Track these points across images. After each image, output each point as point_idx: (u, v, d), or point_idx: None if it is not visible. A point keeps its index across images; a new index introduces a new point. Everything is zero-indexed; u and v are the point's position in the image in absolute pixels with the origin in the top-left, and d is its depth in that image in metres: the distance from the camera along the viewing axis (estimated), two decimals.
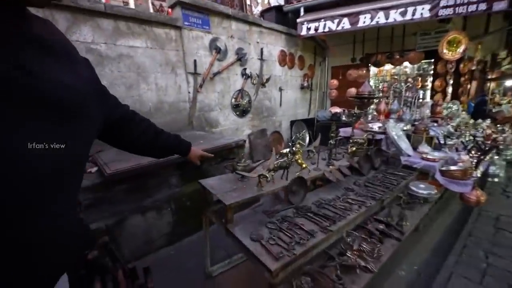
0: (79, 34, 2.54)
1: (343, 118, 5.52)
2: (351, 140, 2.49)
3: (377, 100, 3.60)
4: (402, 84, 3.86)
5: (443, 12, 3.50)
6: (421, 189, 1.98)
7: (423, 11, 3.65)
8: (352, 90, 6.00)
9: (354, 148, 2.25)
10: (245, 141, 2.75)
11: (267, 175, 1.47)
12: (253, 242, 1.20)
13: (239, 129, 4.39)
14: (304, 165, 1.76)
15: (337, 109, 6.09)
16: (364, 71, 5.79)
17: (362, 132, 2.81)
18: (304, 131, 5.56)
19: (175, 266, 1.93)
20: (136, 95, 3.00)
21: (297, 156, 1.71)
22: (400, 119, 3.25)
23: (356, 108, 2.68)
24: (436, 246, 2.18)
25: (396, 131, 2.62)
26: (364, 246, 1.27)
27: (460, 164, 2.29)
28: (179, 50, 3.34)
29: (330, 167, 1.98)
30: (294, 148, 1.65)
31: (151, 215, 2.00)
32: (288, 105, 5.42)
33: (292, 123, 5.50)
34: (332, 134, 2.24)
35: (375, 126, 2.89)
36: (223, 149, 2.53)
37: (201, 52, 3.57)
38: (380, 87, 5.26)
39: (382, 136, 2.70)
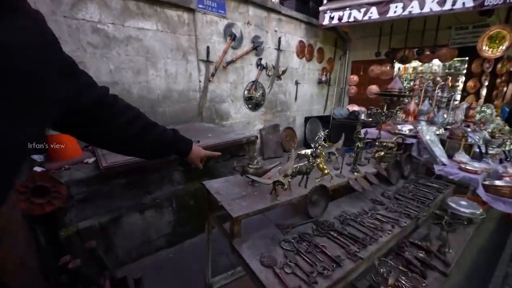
0: (85, 12, 2.33)
1: (362, 117, 5.15)
2: (377, 143, 2.19)
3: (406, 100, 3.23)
4: (430, 82, 3.46)
5: (490, 1, 3.05)
6: (463, 206, 1.66)
7: (466, 0, 3.20)
8: (373, 88, 5.59)
9: (382, 153, 1.94)
10: (257, 137, 2.50)
11: (284, 181, 1.21)
12: (264, 267, 0.96)
13: (251, 123, 4.13)
14: (326, 171, 1.49)
15: (355, 107, 5.71)
16: (388, 67, 5.36)
17: (389, 135, 2.49)
18: (322, 130, 5.25)
19: (173, 272, 1.74)
20: (144, 81, 2.79)
21: (319, 160, 1.44)
22: (431, 122, 2.88)
23: (385, 107, 2.34)
24: (470, 272, 1.87)
25: (430, 135, 2.28)
26: (403, 281, 1.01)
27: (507, 178, 1.94)
28: (192, 35, 3.08)
29: (355, 174, 1.70)
30: (317, 150, 1.38)
31: (150, 213, 1.81)
32: (304, 100, 5.10)
33: (307, 119, 5.18)
34: (358, 136, 1.95)
35: (405, 129, 2.55)
36: (232, 145, 2.29)
37: (215, 39, 3.30)
38: (409, 84, 4.83)
39: (413, 141, 2.37)
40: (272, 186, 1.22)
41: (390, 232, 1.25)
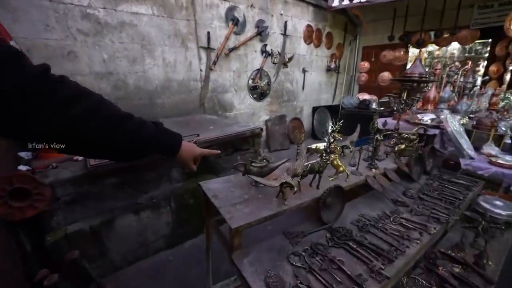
0: None
1: (373, 106, 4.86)
2: (395, 135, 1.97)
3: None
4: (453, 66, 3.13)
5: None
6: (499, 207, 1.45)
7: None
8: (386, 75, 5.26)
9: (402, 146, 1.72)
10: (262, 129, 2.30)
11: (292, 182, 1.02)
12: None
13: (256, 114, 3.92)
14: (341, 168, 1.29)
15: (366, 96, 5.40)
16: (402, 52, 5.00)
17: (408, 125, 2.25)
18: (331, 120, 5.00)
19: (172, 276, 1.60)
20: (140, 71, 2.60)
21: (333, 156, 1.24)
22: (453, 110, 2.61)
23: (405, 94, 2.09)
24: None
25: (455, 125, 2.03)
26: None
27: None
28: (191, 20, 2.85)
29: (373, 170, 1.49)
30: (331, 145, 1.17)
31: (146, 214, 1.66)
32: (312, 89, 4.83)
33: (315, 109, 4.93)
34: (374, 127, 1.74)
35: (427, 118, 2.30)
36: (236, 138, 2.10)
37: (216, 23, 3.06)
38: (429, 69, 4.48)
39: (436, 132, 2.12)
40: (279, 188, 1.03)
41: (418, 242, 1.05)
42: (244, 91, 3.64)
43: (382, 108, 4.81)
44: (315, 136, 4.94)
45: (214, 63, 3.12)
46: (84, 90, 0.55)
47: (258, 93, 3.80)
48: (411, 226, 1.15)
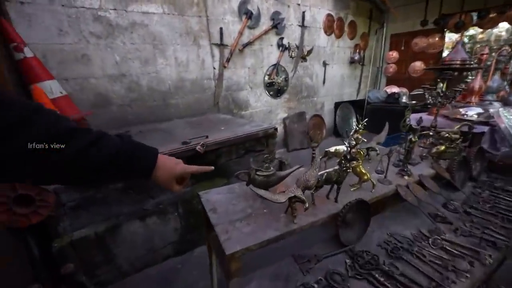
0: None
1: (403, 100, 4.40)
2: (430, 133, 1.68)
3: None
4: (504, 51, 2.65)
5: None
6: None
7: None
8: (418, 64, 4.74)
9: (442, 147, 1.44)
10: (276, 128, 2.12)
11: (303, 197, 0.84)
12: None
13: (273, 111, 3.73)
14: (365, 176, 1.08)
15: (394, 89, 4.93)
16: (437, 39, 4.46)
17: (447, 122, 1.92)
18: (355, 117, 4.65)
19: (180, 286, 1.51)
20: (153, 72, 2.55)
21: (355, 163, 1.03)
22: (505, 102, 2.19)
23: (444, 85, 1.77)
24: None
25: (510, 120, 1.67)
26: None
27: None
28: (202, 16, 2.74)
29: (406, 178, 1.25)
30: (352, 149, 0.97)
31: (152, 220, 1.59)
32: (333, 83, 4.50)
33: (337, 105, 4.60)
34: (406, 124, 1.48)
35: (472, 113, 1.94)
36: (248, 139, 1.95)
37: (229, 18, 2.91)
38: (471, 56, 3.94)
39: (484, 129, 1.78)
40: (288, 202, 0.86)
41: (468, 275, 0.82)
42: (260, 88, 3.47)
43: (414, 102, 4.33)
44: (337, 133, 4.62)
45: (228, 60, 2.98)
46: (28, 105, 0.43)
47: (275, 89, 3.61)
48: (457, 252, 0.91)
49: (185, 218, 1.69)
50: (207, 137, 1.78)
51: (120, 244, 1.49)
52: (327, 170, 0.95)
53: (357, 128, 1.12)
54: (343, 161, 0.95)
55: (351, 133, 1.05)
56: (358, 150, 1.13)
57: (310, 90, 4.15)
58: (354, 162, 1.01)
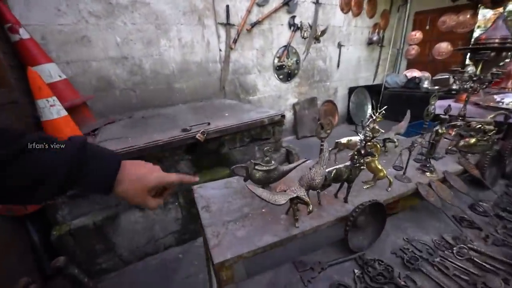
0: None
1: (425, 85, 4.06)
2: (458, 123, 1.48)
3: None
4: None
5: None
6: None
7: None
8: (444, 46, 4.30)
9: (473, 140, 1.25)
10: (283, 115, 1.97)
11: (307, 198, 0.72)
12: None
13: (282, 97, 3.55)
14: (381, 173, 0.94)
15: (415, 73, 4.56)
16: (468, 16, 3.98)
17: (479, 111, 1.69)
18: (370, 103, 4.37)
19: (180, 277, 1.48)
20: (156, 54, 2.43)
21: (369, 158, 0.89)
22: None
23: (479, 68, 1.53)
24: None
25: None
26: None
27: None
28: None
29: (428, 174, 1.09)
30: (368, 143, 0.83)
31: (152, 211, 1.54)
32: (348, 66, 4.20)
33: (351, 90, 4.32)
34: (430, 113, 1.30)
35: (509, 100, 1.70)
36: (253, 127, 1.82)
37: None
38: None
39: None
40: (289, 204, 0.74)
41: None
42: (269, 72, 3.27)
43: (436, 88, 3.99)
44: (350, 121, 4.38)
45: (235, 41, 2.79)
46: None
47: (285, 73, 3.40)
48: (488, 266, 0.77)
49: (186, 209, 1.64)
50: (208, 124, 1.67)
51: (120, 233, 1.47)
52: (336, 167, 0.82)
53: (374, 117, 0.96)
54: (356, 156, 0.81)
55: (367, 122, 0.90)
56: (374, 143, 0.99)
57: (322, 74, 3.89)
58: (369, 157, 0.87)
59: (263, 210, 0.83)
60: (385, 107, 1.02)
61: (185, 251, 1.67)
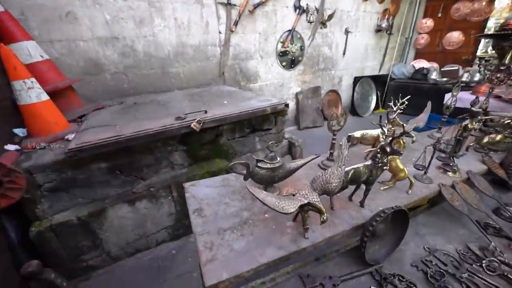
0: None
1: (433, 76, 3.89)
2: (479, 118, 1.36)
3: None
4: None
5: None
6: None
7: None
8: (455, 35, 4.11)
9: (498, 137, 1.13)
10: (287, 104, 1.83)
11: (320, 205, 0.61)
12: None
13: (285, 85, 3.38)
14: (403, 174, 0.82)
15: (423, 63, 4.37)
16: (484, 3, 3.76)
17: (500, 104, 1.56)
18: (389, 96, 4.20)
19: (174, 275, 1.39)
20: (150, 35, 2.24)
21: (390, 157, 0.77)
22: None
23: (508, 56, 1.38)
24: None
25: None
26: None
27: None
28: None
29: (450, 174, 0.98)
30: (392, 141, 0.70)
31: (143, 204, 1.43)
32: (355, 54, 4.00)
33: (356, 80, 4.14)
34: (450, 106, 1.19)
35: None
36: (254, 116, 1.69)
37: None
38: None
39: None
40: (298, 211, 0.62)
41: None
42: (271, 58, 3.08)
43: (445, 80, 3.82)
44: (354, 112, 4.23)
45: (236, 23, 2.59)
46: None
47: (289, 60, 3.21)
48: None
49: (181, 203, 1.53)
50: (205, 112, 1.53)
51: (107, 229, 1.36)
52: (354, 166, 0.69)
53: (396, 108, 0.83)
54: (379, 155, 0.68)
55: (392, 114, 0.77)
56: (398, 140, 0.86)
57: (328, 62, 3.70)
58: (389, 156, 0.74)
59: (265, 215, 0.71)
60: (408, 97, 0.89)
61: (179, 247, 1.58)
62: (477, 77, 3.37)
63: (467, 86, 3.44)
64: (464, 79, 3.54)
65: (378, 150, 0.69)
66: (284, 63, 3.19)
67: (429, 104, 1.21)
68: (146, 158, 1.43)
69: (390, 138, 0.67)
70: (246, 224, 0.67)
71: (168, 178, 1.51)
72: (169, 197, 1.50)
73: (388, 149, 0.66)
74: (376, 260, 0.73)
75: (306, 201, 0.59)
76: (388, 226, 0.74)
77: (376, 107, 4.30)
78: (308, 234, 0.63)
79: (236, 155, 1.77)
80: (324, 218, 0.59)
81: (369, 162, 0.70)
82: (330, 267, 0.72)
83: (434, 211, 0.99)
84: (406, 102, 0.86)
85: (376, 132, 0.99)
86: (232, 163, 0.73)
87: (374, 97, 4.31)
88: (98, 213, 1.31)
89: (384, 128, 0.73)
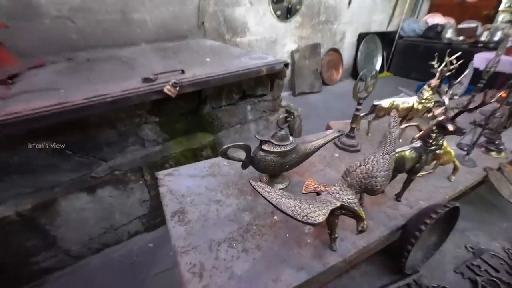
0: None
1: (448, 35, 3.73)
2: None
3: None
4: None
5: None
6: None
7: None
8: None
9: None
10: (286, 64, 1.61)
11: (359, 209, 0.46)
12: None
13: (278, 41, 3.08)
14: (449, 156, 0.70)
15: (438, 18, 4.15)
16: None
17: None
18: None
19: (152, 272, 1.29)
20: None
21: (440, 141, 0.62)
22: None
23: None
24: None
25: None
26: None
27: None
28: None
29: (493, 154, 0.88)
30: (459, 114, 0.55)
31: (106, 192, 1.25)
32: (362, 5, 3.69)
33: (361, 37, 3.89)
34: (489, 70, 1.07)
35: None
36: (245, 78, 1.47)
37: None
38: None
39: None
40: (326, 220, 0.48)
41: None
42: (263, 5, 2.72)
43: (461, 39, 3.67)
44: (356, 75, 4.05)
45: None
46: None
47: (284, 8, 2.86)
48: None
49: (156, 187, 1.36)
50: (182, 72, 1.29)
51: (61, 224, 1.19)
52: (398, 150, 0.55)
53: (445, 68, 0.67)
54: (434, 134, 0.54)
55: (443, 72, 0.62)
56: (443, 111, 0.71)
57: (330, 13, 3.39)
58: (440, 139, 0.60)
59: (274, 218, 0.57)
60: (462, 60, 0.73)
61: (157, 239, 1.46)
62: (497, 36, 3.25)
63: (485, 47, 3.34)
64: (483, 38, 3.42)
65: (434, 128, 0.54)
66: (278, 12, 2.86)
67: (470, 65, 1.07)
68: (106, 133, 1.21)
69: (455, 113, 0.52)
70: (249, 233, 0.53)
71: (137, 158, 1.31)
72: (141, 181, 1.33)
73: (450, 127, 0.51)
74: (412, 266, 0.63)
75: (338, 204, 0.45)
76: (435, 227, 0.63)
77: (381, 70, 4.14)
78: (336, 246, 0.50)
79: (223, 127, 1.58)
80: (364, 226, 0.45)
81: (418, 144, 0.56)
82: (357, 279, 0.61)
83: (468, 198, 0.90)
84: (457, 63, 0.70)
85: (410, 101, 0.84)
86: (225, 146, 0.55)
87: (380, 58, 4.12)
88: (45, 205, 1.12)
89: (444, 97, 0.57)
